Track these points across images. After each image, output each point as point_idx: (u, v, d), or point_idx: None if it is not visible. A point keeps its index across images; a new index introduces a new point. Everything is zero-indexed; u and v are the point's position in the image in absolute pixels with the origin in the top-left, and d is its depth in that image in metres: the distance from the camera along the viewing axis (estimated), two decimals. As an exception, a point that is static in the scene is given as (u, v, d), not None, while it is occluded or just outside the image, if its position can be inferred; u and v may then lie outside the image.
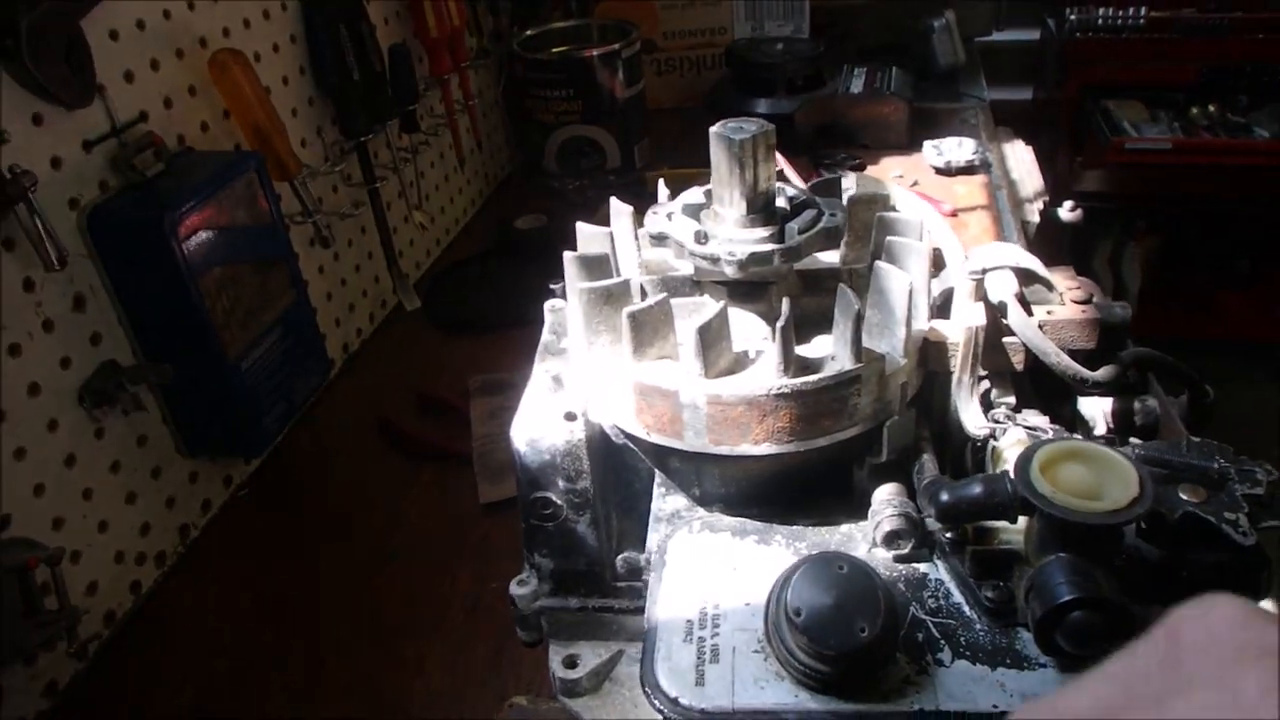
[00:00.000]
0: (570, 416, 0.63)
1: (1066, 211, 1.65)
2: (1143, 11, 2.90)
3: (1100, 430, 0.63)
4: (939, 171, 1.72)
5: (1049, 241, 1.59)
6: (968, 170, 1.70)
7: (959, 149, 1.73)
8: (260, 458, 1.19)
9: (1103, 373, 0.61)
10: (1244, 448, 0.55)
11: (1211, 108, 2.68)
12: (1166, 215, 2.76)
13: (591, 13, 2.02)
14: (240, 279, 1.05)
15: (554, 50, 1.84)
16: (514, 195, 1.90)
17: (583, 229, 0.69)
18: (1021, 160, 1.76)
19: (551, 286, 0.77)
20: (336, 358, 1.35)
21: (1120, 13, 2.92)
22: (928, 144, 1.77)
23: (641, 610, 0.69)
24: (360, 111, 1.32)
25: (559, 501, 0.66)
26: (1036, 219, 1.57)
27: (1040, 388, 0.65)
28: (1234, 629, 0.31)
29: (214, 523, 1.13)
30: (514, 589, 0.69)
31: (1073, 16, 2.91)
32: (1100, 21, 2.91)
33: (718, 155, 0.61)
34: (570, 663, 0.69)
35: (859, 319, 0.56)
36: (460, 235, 1.76)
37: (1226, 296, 2.91)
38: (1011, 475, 0.52)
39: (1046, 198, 1.63)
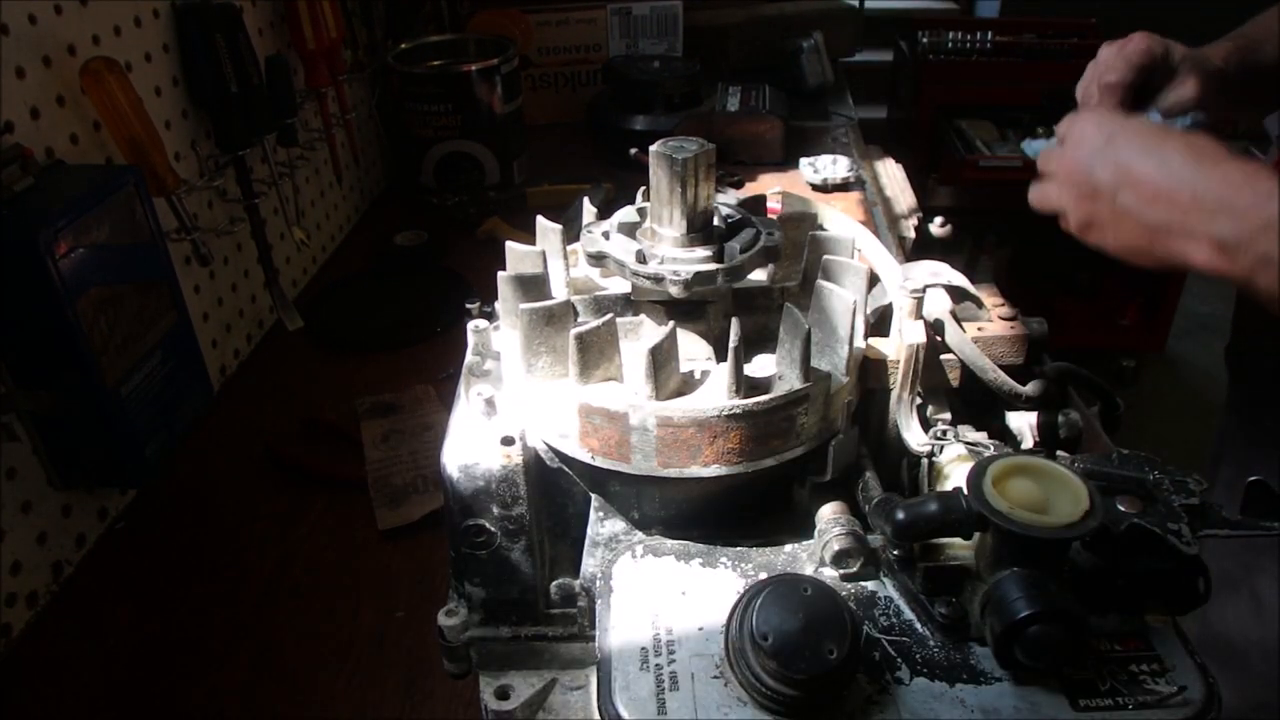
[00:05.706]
0: (508, 441, 0.61)
1: (937, 227, 1.71)
2: (990, 35, 3.04)
3: (1028, 443, 0.65)
4: (815, 188, 1.75)
5: (923, 257, 1.65)
6: (843, 187, 1.75)
7: (834, 166, 1.77)
8: (138, 489, 1.13)
9: (1032, 387, 0.63)
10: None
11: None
12: (1014, 230, 2.89)
13: (466, 27, 1.99)
14: (119, 300, 0.98)
15: (431, 64, 1.81)
16: (391, 211, 1.85)
17: (513, 248, 0.67)
18: (894, 177, 1.81)
19: (468, 306, 0.74)
20: (214, 381, 1.28)
21: (969, 37, 3.06)
22: (804, 161, 1.81)
23: (575, 638, 0.68)
24: (238, 124, 1.26)
25: (493, 529, 0.64)
26: (912, 235, 1.62)
27: (969, 403, 0.66)
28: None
29: (90, 559, 1.05)
30: (442, 619, 0.67)
31: (924, 40, 3.04)
32: (950, 45, 3.04)
33: (658, 175, 0.60)
34: (503, 694, 0.67)
35: (808, 338, 0.56)
36: (337, 252, 1.70)
37: (1069, 306, 3.07)
38: (965, 492, 0.52)
39: (920, 214, 1.68)
